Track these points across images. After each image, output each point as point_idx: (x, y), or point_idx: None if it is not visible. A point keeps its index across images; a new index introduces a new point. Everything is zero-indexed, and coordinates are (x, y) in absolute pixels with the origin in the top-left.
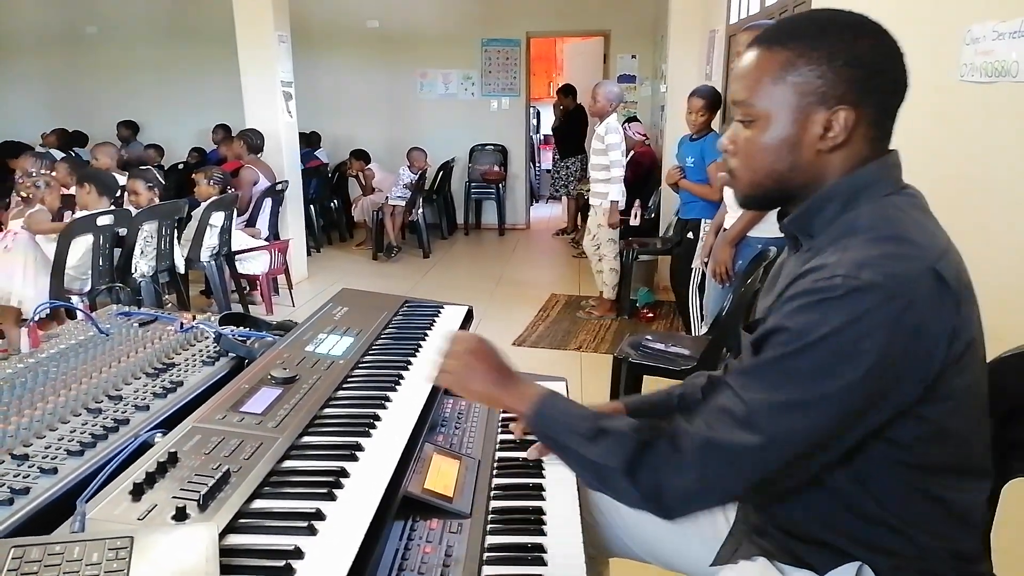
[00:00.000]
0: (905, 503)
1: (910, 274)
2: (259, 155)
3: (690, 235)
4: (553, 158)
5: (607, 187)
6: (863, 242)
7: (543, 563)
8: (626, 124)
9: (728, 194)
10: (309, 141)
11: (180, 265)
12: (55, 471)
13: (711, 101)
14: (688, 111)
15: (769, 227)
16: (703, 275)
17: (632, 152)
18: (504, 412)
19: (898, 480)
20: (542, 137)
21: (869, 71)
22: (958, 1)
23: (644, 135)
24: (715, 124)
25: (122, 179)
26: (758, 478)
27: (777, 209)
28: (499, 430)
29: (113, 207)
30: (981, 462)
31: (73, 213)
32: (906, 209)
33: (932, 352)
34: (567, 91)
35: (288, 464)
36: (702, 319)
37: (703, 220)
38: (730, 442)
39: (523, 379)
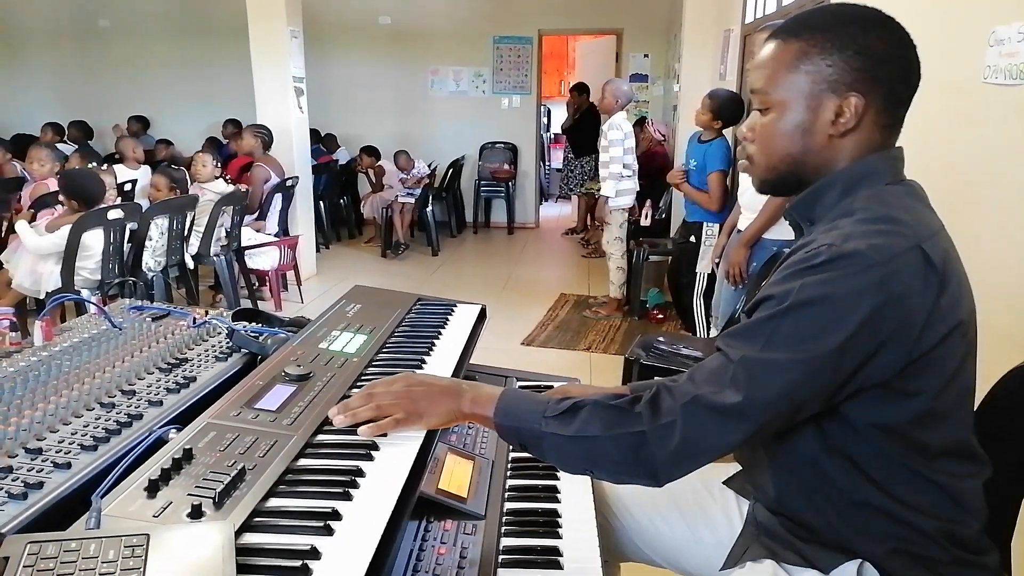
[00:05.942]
0: (905, 487)
1: (894, 248)
2: (268, 151)
3: (692, 239)
4: (566, 157)
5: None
6: (853, 222)
7: (559, 566)
8: (648, 121)
9: (742, 195)
10: (325, 143)
11: (188, 260)
12: (69, 466)
13: (719, 104)
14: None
15: (784, 229)
16: (707, 282)
17: (646, 150)
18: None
19: (897, 463)
20: (552, 136)
21: (878, 60)
22: (983, 2)
23: (664, 134)
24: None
25: (134, 173)
26: (742, 435)
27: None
28: None
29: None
30: (975, 447)
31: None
32: (901, 197)
33: (913, 324)
34: (581, 89)
35: (303, 462)
36: (707, 325)
37: (704, 224)
38: (714, 400)
39: (476, 384)
